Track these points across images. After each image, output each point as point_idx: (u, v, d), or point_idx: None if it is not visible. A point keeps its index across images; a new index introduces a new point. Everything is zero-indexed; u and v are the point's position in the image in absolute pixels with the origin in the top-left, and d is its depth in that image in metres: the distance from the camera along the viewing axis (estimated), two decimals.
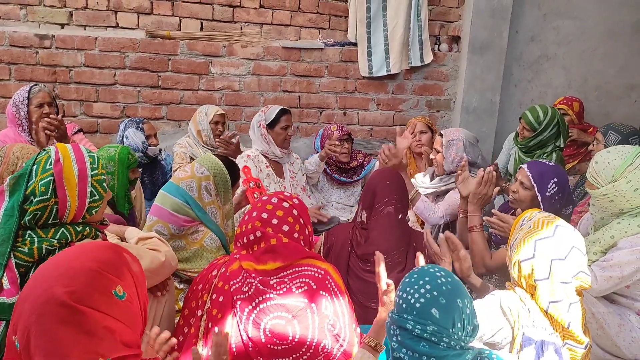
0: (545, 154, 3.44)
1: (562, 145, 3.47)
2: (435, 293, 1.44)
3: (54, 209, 1.68)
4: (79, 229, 1.73)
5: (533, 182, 2.55)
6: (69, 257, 1.27)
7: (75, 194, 1.70)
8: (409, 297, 1.45)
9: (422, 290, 1.44)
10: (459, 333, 1.42)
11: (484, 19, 4.34)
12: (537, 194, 2.53)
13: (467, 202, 2.76)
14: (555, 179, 2.52)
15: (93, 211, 1.77)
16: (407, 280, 1.51)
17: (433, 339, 1.40)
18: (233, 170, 2.62)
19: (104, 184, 1.80)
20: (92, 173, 1.75)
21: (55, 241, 1.66)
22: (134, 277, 1.32)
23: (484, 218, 2.59)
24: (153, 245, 2.00)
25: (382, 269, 1.85)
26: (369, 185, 2.69)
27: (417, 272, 1.52)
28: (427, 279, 1.47)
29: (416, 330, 1.41)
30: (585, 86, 4.81)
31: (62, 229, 1.70)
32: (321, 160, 3.82)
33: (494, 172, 2.74)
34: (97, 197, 1.76)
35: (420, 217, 3.13)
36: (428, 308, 1.42)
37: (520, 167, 2.68)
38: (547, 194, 2.52)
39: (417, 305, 1.43)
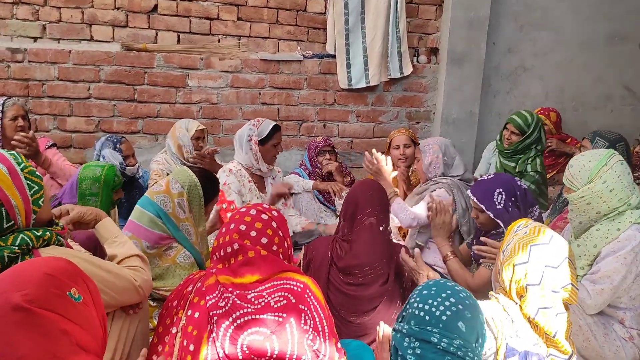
0: (530, 159, 3.52)
1: (541, 148, 3.56)
2: (460, 307, 1.42)
3: (3, 212, 1.62)
4: (38, 234, 1.67)
5: (480, 204, 2.52)
6: (22, 266, 1.29)
7: (15, 191, 1.64)
8: (433, 309, 1.42)
9: (447, 303, 1.42)
10: (479, 349, 1.42)
11: (461, 31, 4.37)
12: (488, 212, 2.49)
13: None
14: (500, 189, 2.48)
15: (40, 202, 1.71)
16: (425, 292, 1.48)
17: (459, 353, 1.37)
18: (211, 184, 2.56)
19: (36, 173, 1.74)
20: (20, 167, 1.69)
21: (16, 247, 1.60)
22: (88, 285, 1.31)
23: (474, 248, 2.54)
24: (132, 266, 1.92)
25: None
26: (350, 196, 2.65)
27: (434, 285, 1.49)
28: (448, 292, 1.45)
29: (442, 344, 1.37)
30: (562, 96, 4.87)
31: (21, 234, 1.64)
32: (313, 189, 3.86)
33: (443, 202, 2.75)
34: (37, 187, 1.71)
35: (395, 217, 3.14)
36: (455, 321, 1.39)
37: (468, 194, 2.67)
38: (498, 207, 2.48)
39: (444, 317, 1.40)
